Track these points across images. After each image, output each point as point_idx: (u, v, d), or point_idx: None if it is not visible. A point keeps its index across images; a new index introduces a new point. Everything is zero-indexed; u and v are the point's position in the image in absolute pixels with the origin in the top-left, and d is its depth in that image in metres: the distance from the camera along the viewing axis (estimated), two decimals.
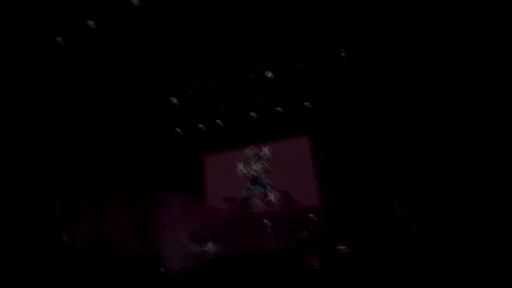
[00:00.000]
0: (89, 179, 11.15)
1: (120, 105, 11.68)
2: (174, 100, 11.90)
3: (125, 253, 8.17)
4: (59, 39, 8.58)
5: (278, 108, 12.64)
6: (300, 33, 9.67)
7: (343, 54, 9.97)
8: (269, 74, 10.85)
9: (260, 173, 13.49)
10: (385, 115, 10.38)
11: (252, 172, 13.70)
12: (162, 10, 8.54)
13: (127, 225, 9.70)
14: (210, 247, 10.20)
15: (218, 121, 13.52)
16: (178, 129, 14.06)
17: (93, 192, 11.22)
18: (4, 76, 8.21)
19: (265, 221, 11.35)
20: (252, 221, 10.64)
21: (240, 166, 13.93)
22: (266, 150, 13.62)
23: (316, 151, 12.49)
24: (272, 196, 12.92)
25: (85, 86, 10.65)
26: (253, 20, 9.02)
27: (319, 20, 9.10)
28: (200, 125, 13.83)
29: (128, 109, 12.07)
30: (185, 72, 11.48)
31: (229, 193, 11.09)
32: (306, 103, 12.27)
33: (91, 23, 8.23)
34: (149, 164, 13.02)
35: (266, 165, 13.48)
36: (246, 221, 10.27)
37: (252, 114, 12.99)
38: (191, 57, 10.45)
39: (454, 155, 7.55)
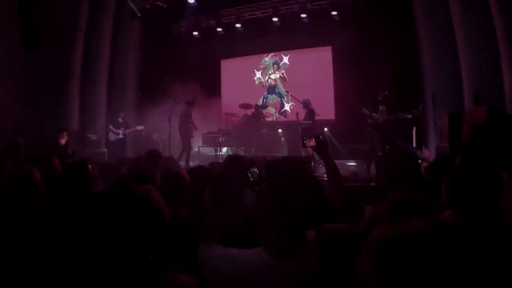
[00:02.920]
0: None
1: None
2: (192, 1, 11.30)
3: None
4: None
5: (303, 15, 11.92)
6: None
7: None
8: None
9: (278, 82, 13.31)
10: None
11: (270, 80, 13.52)
12: None
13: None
14: (224, 151, 10.54)
15: (238, 25, 12.94)
16: (195, 33, 13.58)
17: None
18: None
19: (279, 130, 11.54)
20: (266, 129, 10.82)
21: (258, 74, 13.72)
22: (286, 59, 13.24)
23: (338, 65, 12.02)
24: (288, 106, 12.90)
25: None
26: None
27: None
28: (219, 29, 13.31)
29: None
30: None
31: (245, 100, 11.08)
32: (334, 13, 11.48)
33: None
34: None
35: (285, 74, 13.22)
36: (260, 128, 10.43)
37: (275, 19, 12.33)
38: None
39: None
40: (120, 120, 10.20)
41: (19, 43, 7.23)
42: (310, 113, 9.31)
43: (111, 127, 10.14)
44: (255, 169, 1.77)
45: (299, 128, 9.37)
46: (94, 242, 1.66)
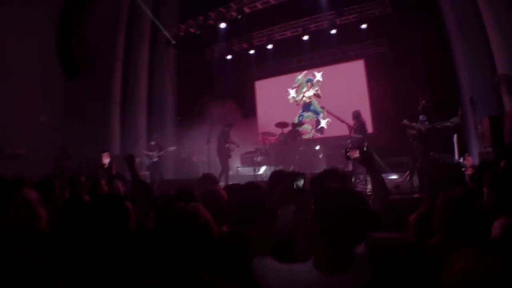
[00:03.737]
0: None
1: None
2: (223, 26, 11.65)
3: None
4: None
5: (333, 31, 11.94)
6: None
7: None
8: None
9: (313, 99, 13.29)
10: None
11: (304, 98, 13.53)
12: None
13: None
14: (262, 170, 10.57)
15: (269, 46, 13.14)
16: (228, 56, 13.91)
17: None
18: None
19: (317, 147, 11.45)
20: (304, 147, 10.77)
21: (292, 93, 13.78)
22: (319, 76, 13.24)
23: (371, 77, 11.86)
24: (324, 123, 12.82)
25: None
26: None
27: None
28: (251, 51, 13.56)
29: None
30: None
31: (281, 119, 11.15)
32: (363, 26, 11.44)
33: None
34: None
35: (318, 91, 13.20)
36: (297, 146, 10.40)
37: (305, 37, 12.43)
38: None
39: None
40: (152, 143, 10.36)
41: (60, 72, 7.68)
42: (361, 125, 8.96)
43: (145, 151, 10.40)
44: (302, 182, 1.76)
45: (348, 142, 9.12)
46: (145, 261, 1.70)
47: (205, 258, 1.49)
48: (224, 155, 9.67)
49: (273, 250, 1.70)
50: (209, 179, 4.29)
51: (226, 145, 9.65)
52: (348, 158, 2.40)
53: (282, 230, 1.96)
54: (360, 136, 8.77)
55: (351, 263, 1.44)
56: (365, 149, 2.40)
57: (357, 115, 9.00)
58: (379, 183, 2.29)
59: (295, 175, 1.77)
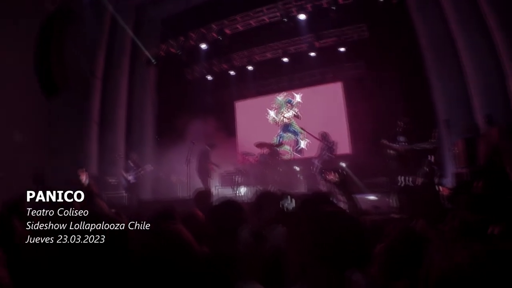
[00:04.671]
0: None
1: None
2: (204, 46, 11.74)
3: None
4: None
5: (312, 54, 12.20)
6: None
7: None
8: (302, 17, 10.41)
9: (292, 120, 13.41)
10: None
11: (284, 119, 13.64)
12: None
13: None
14: (241, 190, 10.48)
15: (250, 67, 13.28)
16: (209, 77, 13.96)
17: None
18: None
19: (296, 167, 11.49)
20: (283, 167, 10.78)
21: (272, 113, 13.88)
22: (298, 97, 13.41)
23: (350, 99, 12.11)
24: (303, 144, 12.91)
25: None
26: None
27: None
28: (231, 72, 13.66)
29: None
30: (215, 16, 11.23)
31: (260, 139, 11.17)
32: (342, 49, 11.75)
33: None
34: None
35: (298, 112, 13.34)
36: (277, 166, 10.40)
37: (285, 59, 12.64)
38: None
39: None
40: (130, 163, 10.04)
41: (38, 91, 7.52)
42: (329, 146, 8.94)
43: (123, 172, 10.09)
44: (289, 201, 1.73)
45: (315, 161, 9.11)
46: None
47: (189, 280, 1.44)
48: (204, 175, 9.59)
49: (261, 273, 1.65)
50: (204, 195, 4.13)
51: (207, 165, 9.59)
52: (324, 179, 2.43)
53: (271, 252, 1.92)
54: (332, 156, 8.81)
55: None
56: (341, 171, 2.42)
57: (324, 136, 9.10)
58: (353, 207, 2.30)
59: (284, 197, 1.74)
